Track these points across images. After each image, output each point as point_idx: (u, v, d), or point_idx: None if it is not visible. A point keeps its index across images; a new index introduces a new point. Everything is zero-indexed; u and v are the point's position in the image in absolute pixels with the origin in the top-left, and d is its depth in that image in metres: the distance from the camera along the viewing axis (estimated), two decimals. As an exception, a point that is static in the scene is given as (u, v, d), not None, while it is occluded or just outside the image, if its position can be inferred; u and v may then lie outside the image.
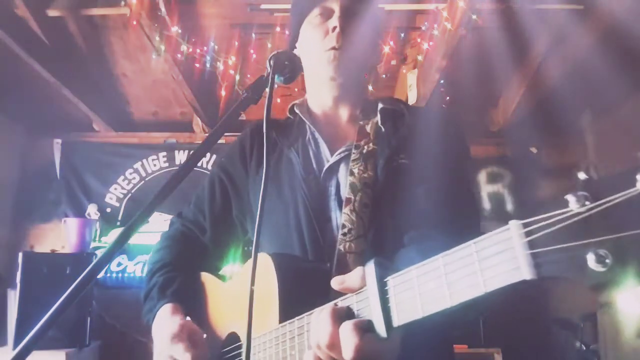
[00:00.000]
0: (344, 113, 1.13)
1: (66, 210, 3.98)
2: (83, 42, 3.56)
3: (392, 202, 0.96)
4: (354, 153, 1.03)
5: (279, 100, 3.43)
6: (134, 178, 4.12)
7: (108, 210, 4.03)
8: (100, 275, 3.75)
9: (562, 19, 3.10)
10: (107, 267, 3.78)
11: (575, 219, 0.45)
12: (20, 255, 3.13)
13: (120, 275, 3.89)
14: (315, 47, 1.07)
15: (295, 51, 1.18)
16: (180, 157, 4.17)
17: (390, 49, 3.22)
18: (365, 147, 1.03)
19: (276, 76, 0.89)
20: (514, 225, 0.49)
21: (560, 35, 3.25)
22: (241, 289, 0.96)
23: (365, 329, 0.61)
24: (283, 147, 1.10)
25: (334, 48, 1.04)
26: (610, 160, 3.95)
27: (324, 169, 1.04)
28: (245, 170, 1.13)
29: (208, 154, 4.06)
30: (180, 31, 3.10)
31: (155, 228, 3.91)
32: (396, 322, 0.58)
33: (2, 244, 3.88)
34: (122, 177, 4.11)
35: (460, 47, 3.17)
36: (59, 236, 3.86)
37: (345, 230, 0.95)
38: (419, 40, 3.27)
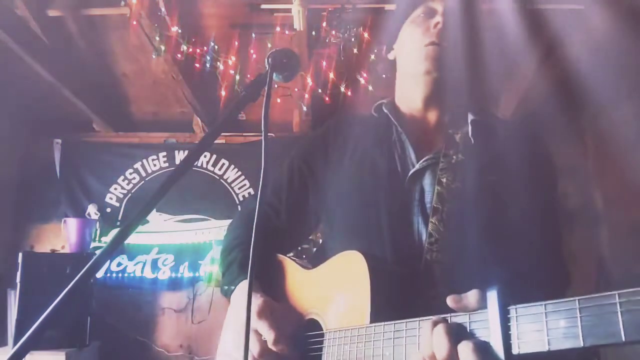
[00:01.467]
0: (432, 117, 1.11)
1: (66, 210, 3.98)
2: (83, 42, 3.56)
3: (480, 218, 0.96)
4: (442, 162, 1.02)
5: (278, 100, 3.43)
6: (134, 178, 4.12)
7: (108, 210, 4.03)
8: (100, 275, 3.75)
9: (563, 18, 3.10)
10: (104, 267, 3.79)
11: None
12: (20, 255, 3.13)
13: (120, 275, 3.89)
14: (414, 42, 1.07)
15: (392, 52, 1.19)
16: (180, 157, 4.16)
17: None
18: (454, 157, 1.02)
19: (275, 74, 0.89)
20: None
21: (560, 35, 3.25)
22: (329, 278, 0.97)
23: (483, 350, 0.63)
24: (367, 145, 1.10)
25: (433, 43, 1.04)
26: (610, 160, 3.95)
27: (410, 173, 1.03)
28: (325, 165, 1.15)
29: (208, 154, 4.07)
30: (180, 31, 3.10)
31: (156, 228, 3.92)
32: (516, 350, 0.61)
33: (2, 244, 3.89)
34: (122, 177, 4.11)
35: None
36: (59, 236, 3.86)
37: (433, 239, 0.95)
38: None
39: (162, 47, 3.09)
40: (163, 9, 2.96)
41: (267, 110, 0.81)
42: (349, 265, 0.90)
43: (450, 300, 0.70)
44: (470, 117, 1.07)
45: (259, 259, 1.06)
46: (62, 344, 2.98)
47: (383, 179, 1.03)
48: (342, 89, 3.31)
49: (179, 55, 3.21)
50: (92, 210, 3.98)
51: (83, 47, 3.60)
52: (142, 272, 3.89)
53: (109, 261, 3.70)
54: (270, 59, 0.89)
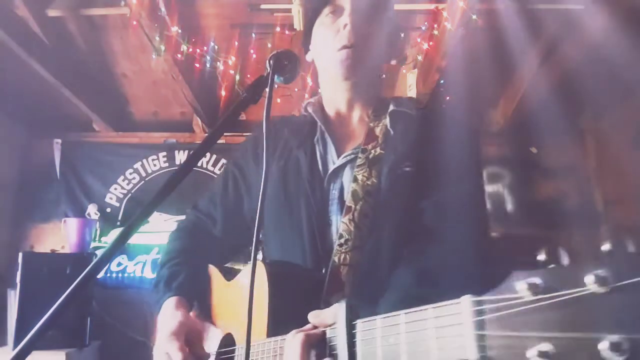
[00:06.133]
0: (356, 113, 1.12)
1: (66, 210, 3.98)
2: (83, 42, 3.56)
3: (393, 214, 0.95)
4: (359, 158, 1.01)
5: (278, 100, 3.43)
6: (134, 178, 4.12)
7: (108, 210, 4.03)
8: (100, 275, 3.75)
9: (563, 18, 3.10)
10: (106, 267, 3.78)
11: (524, 307, 0.43)
12: (20, 255, 3.13)
13: (120, 275, 3.89)
14: (327, 47, 1.05)
15: (310, 53, 1.16)
16: (180, 157, 4.17)
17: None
18: (372, 151, 1.01)
19: (276, 76, 0.89)
20: (466, 300, 0.48)
21: (560, 35, 3.25)
22: (239, 292, 0.96)
23: None
24: (292, 147, 1.09)
25: (345, 47, 1.01)
26: (610, 160, 3.95)
27: (329, 172, 1.03)
28: (257, 167, 1.13)
29: (208, 154, 4.06)
30: (180, 31, 3.10)
31: (156, 228, 3.91)
32: None
33: (2, 244, 3.88)
34: (122, 177, 4.10)
35: (460, 47, 3.16)
36: (59, 236, 3.86)
37: (342, 240, 0.94)
38: (419, 40, 3.26)
39: (162, 47, 3.09)
40: (163, 9, 2.96)
41: (269, 112, 0.81)
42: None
43: (311, 317, 0.72)
44: (390, 107, 1.07)
45: (189, 276, 1.05)
46: (62, 344, 2.98)
47: (305, 180, 1.02)
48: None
49: (179, 55, 3.20)
50: (92, 210, 3.98)
51: (83, 47, 3.60)
52: (142, 272, 3.89)
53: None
54: (271, 61, 0.89)
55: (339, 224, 0.96)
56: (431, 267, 0.85)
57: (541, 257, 0.44)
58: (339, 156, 1.05)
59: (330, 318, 0.69)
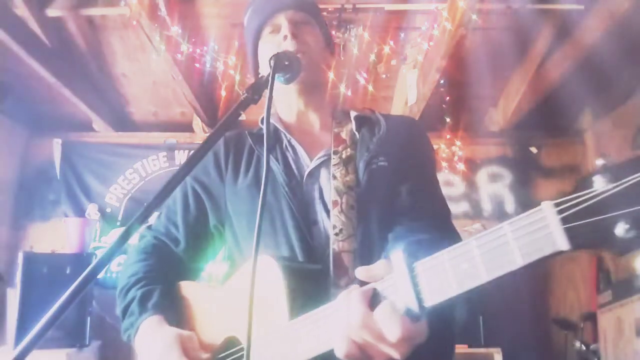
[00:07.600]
0: (315, 120, 1.18)
1: (66, 210, 3.98)
2: (83, 42, 3.56)
3: (375, 202, 1.02)
4: (333, 158, 1.08)
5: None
6: (134, 178, 4.12)
7: (108, 210, 4.03)
8: (100, 275, 3.75)
9: (563, 18, 3.10)
10: (106, 267, 3.78)
11: (601, 197, 0.52)
12: (20, 255, 3.13)
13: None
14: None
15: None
16: (180, 157, 4.17)
17: (390, 49, 3.22)
18: (344, 152, 1.09)
19: (276, 76, 0.89)
20: (547, 205, 0.55)
21: (560, 36, 3.25)
22: (240, 289, 0.95)
23: (399, 310, 0.65)
24: (261, 156, 1.12)
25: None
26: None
27: (305, 173, 1.08)
28: (221, 181, 1.14)
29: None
30: (180, 31, 3.10)
31: (155, 228, 3.92)
32: (429, 302, 0.63)
33: (2, 244, 3.88)
34: (122, 177, 4.11)
35: (460, 47, 3.16)
36: (59, 236, 3.86)
37: (337, 230, 0.99)
38: (419, 40, 3.26)
39: (162, 47, 3.09)
40: (163, 9, 2.96)
41: (269, 112, 0.82)
42: (260, 271, 0.88)
43: (359, 272, 0.73)
44: (353, 113, 1.15)
45: (164, 294, 1.04)
46: (62, 344, 2.98)
47: (282, 185, 1.05)
48: (342, 89, 3.31)
49: (179, 55, 3.20)
50: (92, 210, 3.98)
51: (83, 47, 3.60)
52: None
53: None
54: (272, 61, 0.90)
55: (326, 222, 1.02)
56: (425, 240, 0.92)
57: (599, 161, 0.54)
58: (311, 160, 1.10)
59: (381, 273, 0.71)
